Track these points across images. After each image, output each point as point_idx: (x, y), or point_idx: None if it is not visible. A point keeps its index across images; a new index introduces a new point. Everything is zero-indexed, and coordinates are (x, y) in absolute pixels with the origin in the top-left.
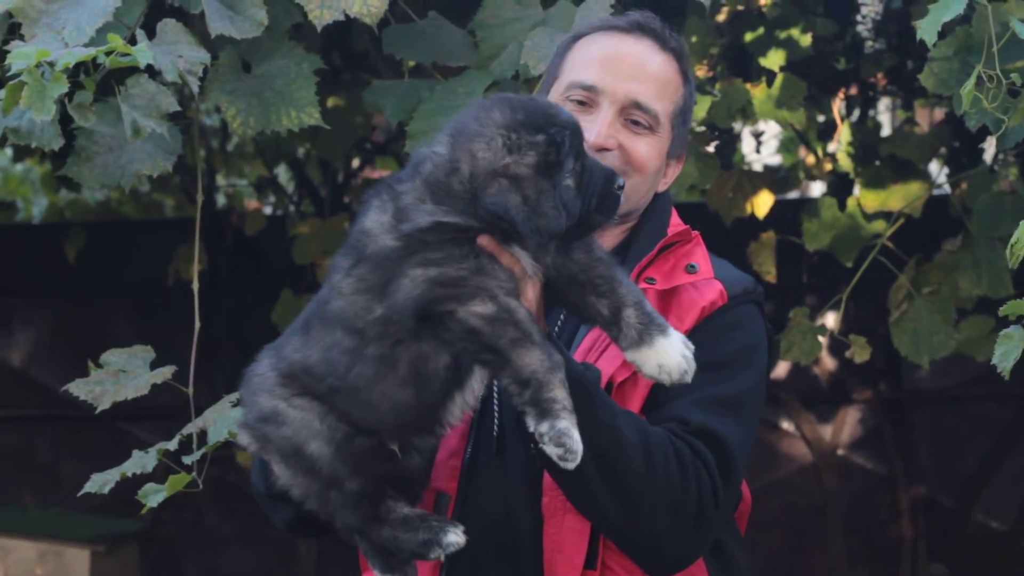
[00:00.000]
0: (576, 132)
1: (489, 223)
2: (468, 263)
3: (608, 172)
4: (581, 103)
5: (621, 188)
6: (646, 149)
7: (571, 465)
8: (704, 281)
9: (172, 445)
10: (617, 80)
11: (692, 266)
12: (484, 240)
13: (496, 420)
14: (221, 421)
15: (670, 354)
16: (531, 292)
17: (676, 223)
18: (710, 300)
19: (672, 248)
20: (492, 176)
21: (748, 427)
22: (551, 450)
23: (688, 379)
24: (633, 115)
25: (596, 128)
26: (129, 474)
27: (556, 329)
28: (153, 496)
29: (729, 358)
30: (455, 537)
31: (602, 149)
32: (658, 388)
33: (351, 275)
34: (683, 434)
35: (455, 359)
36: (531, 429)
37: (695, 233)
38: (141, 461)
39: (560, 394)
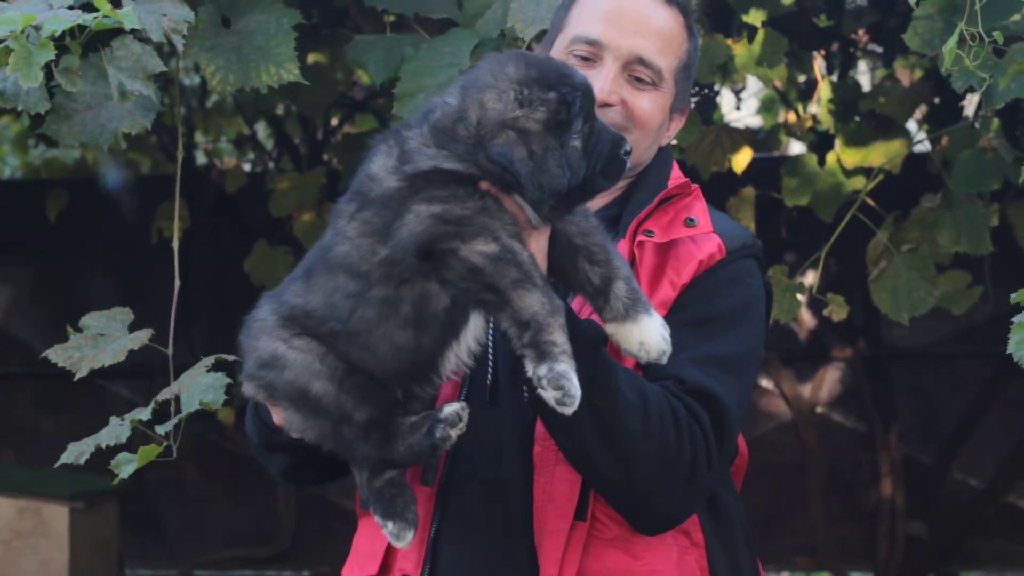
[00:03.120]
0: (588, 94)
1: (489, 172)
2: (472, 203)
3: (616, 137)
4: (585, 58)
5: (628, 154)
6: (649, 105)
7: (569, 410)
8: (703, 235)
9: (145, 415)
10: (621, 35)
11: (691, 219)
12: (486, 184)
13: (491, 368)
14: (194, 389)
15: (652, 333)
16: (537, 242)
17: (677, 176)
18: (708, 253)
19: (671, 201)
20: (500, 127)
21: (745, 385)
22: (549, 394)
23: (664, 360)
24: (636, 71)
25: (599, 84)
26: (103, 445)
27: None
28: (126, 466)
29: (726, 314)
30: (450, 409)
31: (604, 104)
32: None
33: (356, 219)
34: (680, 393)
35: (454, 302)
36: (529, 373)
37: (695, 186)
38: (116, 431)
39: (560, 338)
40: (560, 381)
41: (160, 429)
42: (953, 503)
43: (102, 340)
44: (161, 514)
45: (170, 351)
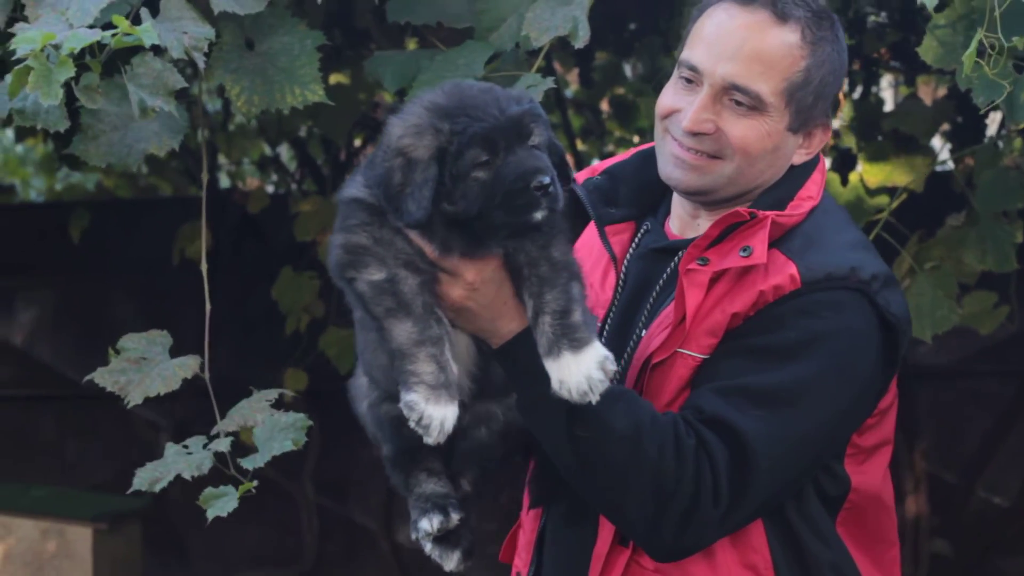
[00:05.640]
0: (498, 127)
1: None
2: (372, 231)
3: (525, 171)
4: (689, 81)
5: (542, 187)
6: (747, 132)
7: (429, 439)
8: (780, 264)
9: (224, 446)
10: (717, 61)
11: (746, 248)
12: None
13: None
14: (272, 427)
15: (572, 371)
16: (479, 272)
17: (805, 196)
18: (773, 285)
19: (739, 229)
20: (395, 154)
21: (789, 422)
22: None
23: (589, 400)
24: (734, 96)
25: (689, 112)
26: (188, 477)
27: (649, 303)
28: (219, 504)
29: (782, 347)
30: (426, 524)
31: (698, 134)
32: (698, 370)
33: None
34: (695, 423)
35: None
36: None
37: (762, 214)
38: (196, 460)
39: (422, 368)
40: (407, 411)
41: (246, 464)
42: (978, 521)
43: (145, 364)
44: (184, 535)
45: (207, 375)
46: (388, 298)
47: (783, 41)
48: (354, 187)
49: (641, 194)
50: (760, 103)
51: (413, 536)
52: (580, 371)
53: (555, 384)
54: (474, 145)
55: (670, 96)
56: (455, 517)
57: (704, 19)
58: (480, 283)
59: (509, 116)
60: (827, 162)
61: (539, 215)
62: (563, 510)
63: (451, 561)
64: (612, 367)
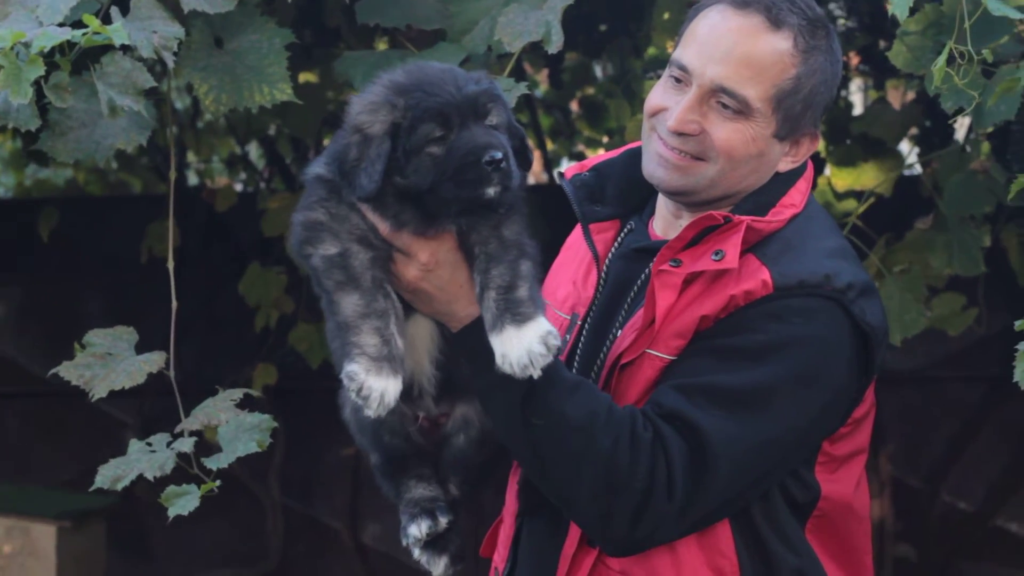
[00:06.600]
0: (453, 104)
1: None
2: (327, 206)
3: (476, 146)
4: (678, 80)
5: (493, 162)
6: (732, 135)
7: (368, 412)
8: (753, 269)
9: (188, 447)
10: (707, 63)
11: (718, 252)
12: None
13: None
14: (236, 427)
15: (514, 345)
16: (431, 252)
17: (787, 203)
18: (744, 289)
19: (715, 232)
20: (352, 130)
21: (752, 424)
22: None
23: (531, 373)
24: (721, 99)
25: (675, 112)
26: (151, 477)
27: (627, 303)
28: (181, 502)
29: (750, 349)
30: (415, 530)
31: (681, 134)
32: (664, 371)
33: None
34: (653, 417)
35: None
36: None
37: (737, 218)
38: (158, 460)
39: (365, 339)
40: (346, 381)
41: (210, 464)
42: (942, 526)
43: (111, 360)
44: (148, 533)
45: (172, 374)
46: (339, 272)
47: (774, 48)
48: (317, 165)
49: (628, 193)
50: (747, 108)
51: (404, 542)
52: (522, 345)
53: (498, 359)
54: (427, 120)
55: (659, 94)
56: (443, 521)
57: (699, 19)
58: (434, 264)
59: (465, 94)
60: None
61: (490, 191)
62: (543, 510)
63: (439, 566)
64: (555, 342)
